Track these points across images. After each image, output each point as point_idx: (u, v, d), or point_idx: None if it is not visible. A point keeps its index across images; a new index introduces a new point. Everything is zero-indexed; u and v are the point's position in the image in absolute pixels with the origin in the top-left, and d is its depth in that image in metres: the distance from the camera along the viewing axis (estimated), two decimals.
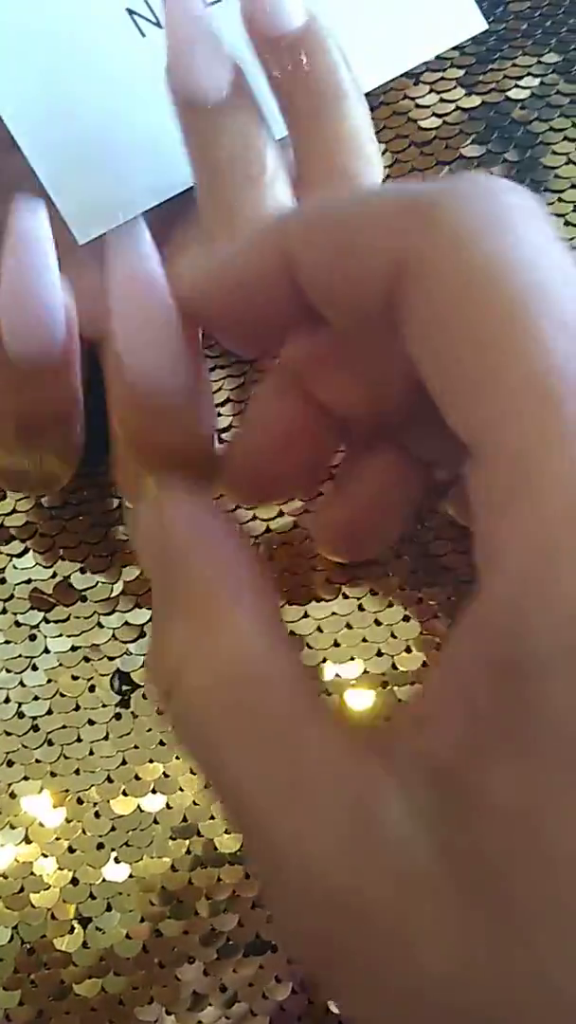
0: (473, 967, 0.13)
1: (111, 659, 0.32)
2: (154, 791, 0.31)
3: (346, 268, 0.17)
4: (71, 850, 0.31)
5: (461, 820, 0.14)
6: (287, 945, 0.16)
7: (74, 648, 0.32)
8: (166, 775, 0.31)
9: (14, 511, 0.33)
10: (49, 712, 0.32)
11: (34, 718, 0.32)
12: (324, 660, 0.31)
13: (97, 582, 0.33)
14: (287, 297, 0.18)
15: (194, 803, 0.31)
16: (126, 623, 0.32)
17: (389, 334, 0.17)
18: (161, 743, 0.31)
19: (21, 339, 0.22)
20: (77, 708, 0.32)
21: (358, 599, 0.31)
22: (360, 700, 0.31)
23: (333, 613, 0.31)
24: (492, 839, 0.13)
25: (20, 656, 0.32)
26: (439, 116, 0.36)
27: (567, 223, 0.34)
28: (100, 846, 0.31)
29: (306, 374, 0.20)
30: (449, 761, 0.14)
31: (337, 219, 0.17)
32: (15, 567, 0.33)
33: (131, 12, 0.25)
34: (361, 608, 0.31)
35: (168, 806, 0.31)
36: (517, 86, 0.36)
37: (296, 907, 0.15)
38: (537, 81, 0.37)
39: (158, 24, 0.25)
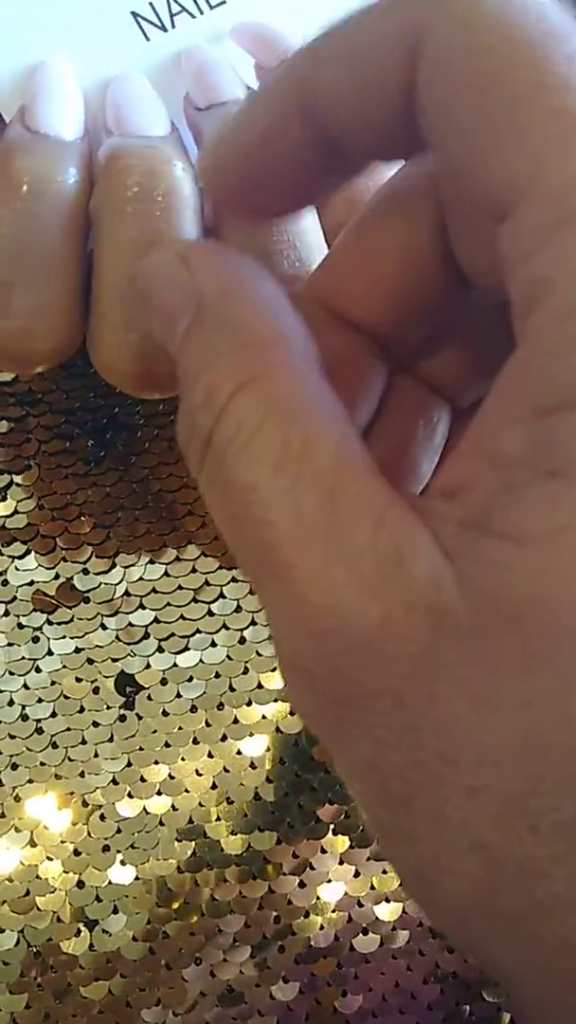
0: (493, 704, 0.13)
1: (115, 661, 0.32)
2: (159, 793, 0.31)
3: (361, 74, 0.17)
4: (76, 853, 0.31)
5: (488, 554, 0.14)
6: (303, 707, 0.16)
7: (77, 650, 0.32)
8: (171, 777, 0.31)
9: (15, 512, 0.33)
10: (53, 714, 0.32)
11: (38, 720, 0.32)
12: None
13: (100, 583, 0.33)
14: (308, 139, 0.18)
15: (199, 805, 0.31)
16: (129, 624, 0.32)
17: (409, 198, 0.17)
18: (166, 744, 0.31)
19: (46, 100, 0.24)
20: (81, 710, 0.32)
21: None
22: None
23: None
24: (516, 571, 0.13)
25: (23, 658, 0.32)
26: None
27: None
28: (106, 848, 0.31)
29: (331, 290, 0.20)
30: (479, 508, 0.14)
31: (345, 32, 0.17)
32: (17, 569, 0.33)
33: (136, 15, 0.25)
34: None
35: (173, 808, 0.31)
36: None
37: (320, 650, 0.15)
38: None
39: (163, 28, 0.25)
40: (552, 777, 0.13)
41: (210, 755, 0.32)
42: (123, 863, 0.31)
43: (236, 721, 0.32)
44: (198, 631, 0.32)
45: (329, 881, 0.32)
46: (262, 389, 0.16)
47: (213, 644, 0.32)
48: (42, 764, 0.31)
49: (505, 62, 0.15)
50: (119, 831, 0.31)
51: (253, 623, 0.32)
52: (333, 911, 0.31)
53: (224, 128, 0.19)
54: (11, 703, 0.32)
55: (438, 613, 0.14)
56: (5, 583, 0.33)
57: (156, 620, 0.32)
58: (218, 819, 0.31)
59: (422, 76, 0.16)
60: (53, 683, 0.32)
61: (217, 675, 0.32)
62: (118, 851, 0.31)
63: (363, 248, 0.20)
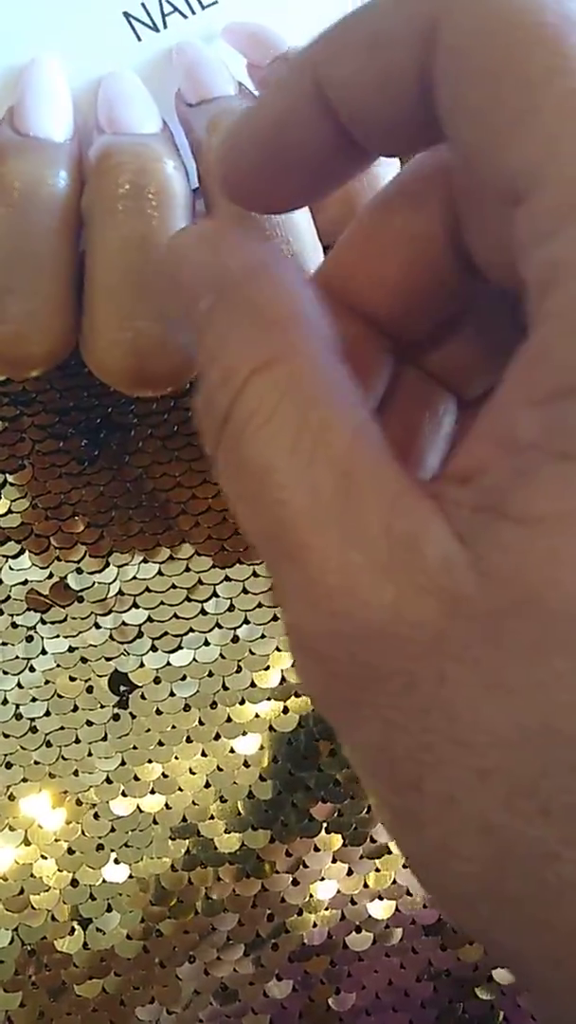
0: (505, 687, 0.13)
1: (108, 659, 0.32)
2: (153, 792, 0.31)
3: (377, 63, 0.16)
4: (70, 851, 0.31)
5: (502, 537, 0.14)
6: (312, 688, 0.16)
7: (71, 649, 0.32)
8: (165, 775, 0.31)
9: (9, 511, 0.33)
10: (47, 713, 0.32)
11: (32, 719, 0.32)
12: None
13: (94, 582, 0.33)
14: (323, 128, 0.18)
15: (193, 803, 0.31)
16: (123, 623, 0.32)
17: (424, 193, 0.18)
18: (160, 743, 0.32)
19: (32, 105, 0.24)
20: (75, 709, 0.32)
21: None
22: None
23: None
24: (529, 554, 0.13)
25: (17, 657, 0.32)
26: None
27: None
28: (99, 847, 0.31)
29: (340, 280, 0.20)
30: (493, 492, 0.14)
31: (361, 21, 0.17)
32: (11, 568, 0.33)
33: (128, 15, 0.25)
34: None
35: (167, 806, 0.31)
36: None
37: (331, 632, 0.15)
38: None
39: (155, 29, 0.25)
40: (564, 759, 0.13)
41: (204, 754, 0.32)
42: (117, 862, 0.31)
43: (229, 720, 0.32)
44: (191, 630, 0.32)
45: (323, 879, 0.32)
46: (281, 370, 0.16)
47: (206, 643, 0.32)
48: (36, 763, 0.31)
49: (519, 46, 0.14)
50: (113, 830, 0.31)
51: (246, 622, 0.32)
52: (327, 909, 0.31)
53: (240, 117, 0.19)
54: (5, 702, 0.32)
55: (451, 596, 0.14)
56: None
57: (150, 619, 0.32)
58: (212, 817, 0.31)
59: (438, 63, 0.16)
60: (47, 682, 0.32)
61: (210, 674, 0.32)
62: (112, 850, 0.31)
63: (374, 238, 0.20)
